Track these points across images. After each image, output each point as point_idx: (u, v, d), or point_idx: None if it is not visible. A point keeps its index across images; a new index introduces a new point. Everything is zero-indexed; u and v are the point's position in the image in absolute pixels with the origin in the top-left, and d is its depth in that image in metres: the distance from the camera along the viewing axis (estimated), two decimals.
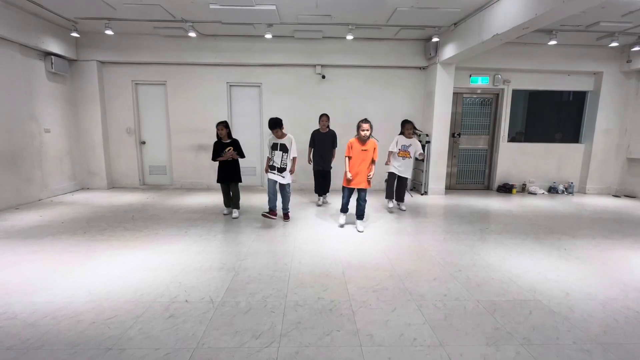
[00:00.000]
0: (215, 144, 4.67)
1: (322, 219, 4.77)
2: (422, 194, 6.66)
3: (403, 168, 5.11)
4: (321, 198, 5.63)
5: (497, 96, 7.10)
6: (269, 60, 6.63)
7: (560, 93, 7.34)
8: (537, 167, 7.26)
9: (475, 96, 7.12)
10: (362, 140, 4.12)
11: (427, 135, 6.62)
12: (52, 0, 4.89)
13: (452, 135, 6.96)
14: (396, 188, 5.23)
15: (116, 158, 7.00)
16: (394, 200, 5.28)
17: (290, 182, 4.47)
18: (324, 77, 6.82)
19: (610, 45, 6.20)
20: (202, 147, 6.94)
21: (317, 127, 5.45)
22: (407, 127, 5.07)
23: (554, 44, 5.93)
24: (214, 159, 4.66)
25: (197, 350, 1.91)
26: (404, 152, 5.07)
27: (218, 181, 4.74)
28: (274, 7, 4.96)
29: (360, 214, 4.27)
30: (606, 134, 7.02)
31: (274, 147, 4.34)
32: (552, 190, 7.18)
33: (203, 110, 6.84)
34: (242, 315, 2.25)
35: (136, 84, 6.85)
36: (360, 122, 4.12)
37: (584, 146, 7.25)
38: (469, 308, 2.40)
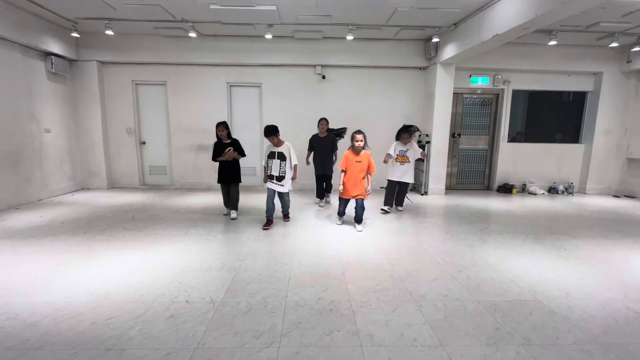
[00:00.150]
0: (216, 144, 4.68)
1: (322, 219, 4.78)
2: (422, 194, 6.66)
3: (401, 173, 5.11)
4: (323, 201, 5.63)
5: (497, 96, 7.10)
6: (269, 61, 6.63)
7: (560, 93, 7.34)
8: (537, 167, 7.26)
9: (475, 96, 7.12)
10: (356, 151, 4.21)
11: (427, 135, 6.62)
12: (52, 0, 4.89)
13: (452, 135, 6.96)
14: (397, 192, 5.22)
15: (116, 158, 7.00)
16: (393, 205, 5.26)
17: (290, 190, 4.45)
18: (324, 77, 6.82)
19: (610, 46, 6.21)
20: (202, 147, 6.94)
21: (317, 127, 5.44)
22: (404, 137, 5.08)
23: (554, 44, 5.93)
24: (214, 159, 4.66)
25: (198, 350, 1.91)
26: (402, 158, 5.10)
27: (218, 181, 4.75)
28: (274, 7, 4.96)
29: (358, 220, 4.30)
30: (606, 134, 7.02)
31: (271, 155, 4.28)
32: (552, 190, 7.17)
33: (203, 110, 6.84)
34: (242, 316, 2.25)
35: (136, 84, 6.85)
36: (354, 133, 4.21)
37: (584, 146, 7.25)
38: (469, 308, 2.40)
